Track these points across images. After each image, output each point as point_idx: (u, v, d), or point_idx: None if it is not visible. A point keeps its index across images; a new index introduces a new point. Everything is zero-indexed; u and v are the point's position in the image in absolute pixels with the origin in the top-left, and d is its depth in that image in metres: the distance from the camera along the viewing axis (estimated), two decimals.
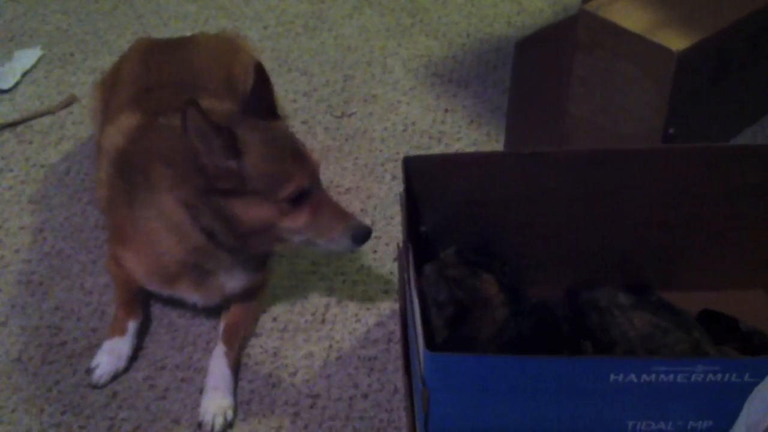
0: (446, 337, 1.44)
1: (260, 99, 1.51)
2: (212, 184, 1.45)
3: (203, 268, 1.57)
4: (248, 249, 1.55)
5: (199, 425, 1.50)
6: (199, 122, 1.39)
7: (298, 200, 1.47)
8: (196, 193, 1.47)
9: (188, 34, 2.44)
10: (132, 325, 1.61)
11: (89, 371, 1.57)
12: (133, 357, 1.60)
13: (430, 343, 1.19)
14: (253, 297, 1.67)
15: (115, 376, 1.58)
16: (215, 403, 1.51)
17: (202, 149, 1.42)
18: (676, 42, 1.78)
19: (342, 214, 1.52)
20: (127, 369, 1.59)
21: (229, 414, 1.50)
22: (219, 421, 1.49)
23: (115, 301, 1.66)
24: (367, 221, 1.88)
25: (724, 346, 1.44)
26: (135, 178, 1.60)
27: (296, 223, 1.48)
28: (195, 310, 1.68)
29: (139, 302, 1.66)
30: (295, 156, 1.47)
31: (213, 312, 1.67)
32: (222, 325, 1.63)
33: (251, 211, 1.46)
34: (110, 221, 1.71)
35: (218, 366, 1.56)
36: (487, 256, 1.56)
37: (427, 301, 1.48)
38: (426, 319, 1.31)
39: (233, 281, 1.60)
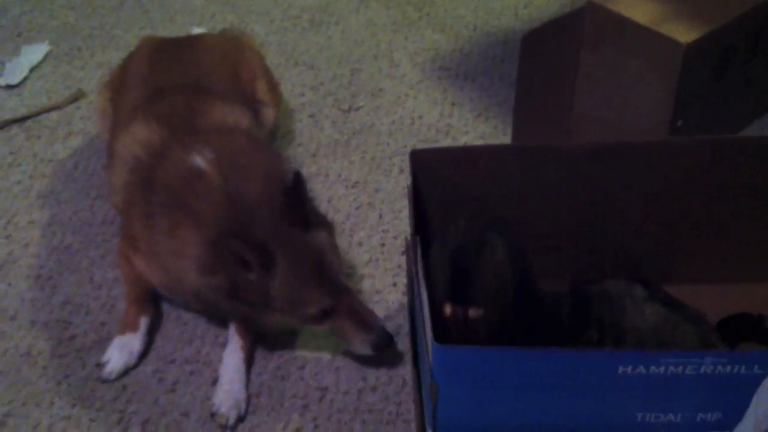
0: (449, 277, 1.45)
1: (294, 206, 1.49)
2: (239, 293, 1.48)
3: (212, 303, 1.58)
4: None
5: (212, 416, 1.50)
6: (237, 253, 1.43)
7: (319, 316, 1.51)
8: (220, 286, 1.49)
9: (195, 28, 2.45)
10: (144, 322, 1.62)
11: (100, 366, 1.58)
12: (144, 353, 1.61)
13: (439, 336, 1.19)
14: None
15: (126, 372, 1.58)
16: (231, 396, 1.51)
17: (238, 270, 1.46)
18: (684, 35, 1.77)
19: (364, 325, 1.53)
20: (137, 364, 1.60)
21: (243, 408, 1.51)
22: (233, 415, 1.50)
23: (126, 297, 1.67)
24: (375, 215, 1.88)
25: (750, 342, 1.44)
26: (159, 216, 1.58)
27: (319, 328, 1.55)
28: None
29: (151, 299, 1.67)
30: (321, 277, 1.49)
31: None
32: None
33: (272, 320, 1.54)
34: (126, 225, 1.71)
35: (233, 359, 1.56)
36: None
37: (434, 261, 1.49)
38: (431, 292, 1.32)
39: (228, 312, 1.60)
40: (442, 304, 1.42)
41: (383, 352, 1.55)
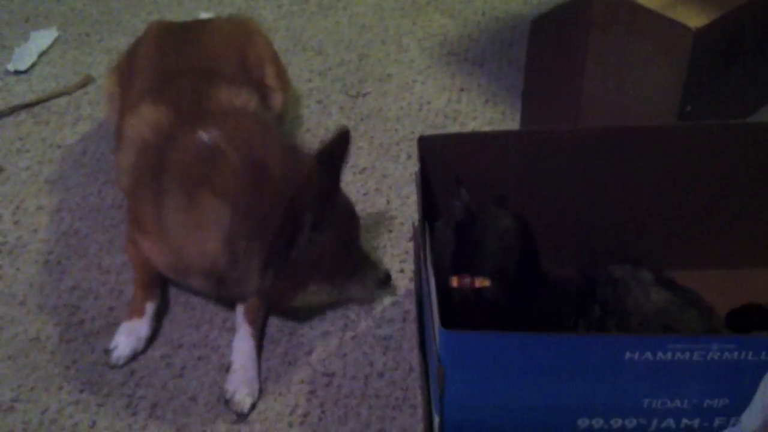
0: (454, 247, 1.47)
1: (334, 164, 1.51)
2: (296, 255, 1.49)
3: (224, 282, 1.57)
4: (277, 299, 1.62)
5: (227, 403, 1.50)
6: (310, 195, 1.45)
7: (349, 269, 1.58)
8: (263, 253, 1.49)
9: (202, 13, 2.45)
10: (150, 307, 1.62)
11: (107, 352, 1.58)
12: (152, 338, 1.61)
13: (446, 321, 1.19)
14: None
15: (134, 357, 1.59)
16: (245, 382, 1.51)
17: (304, 220, 1.47)
18: (693, 19, 1.76)
19: (372, 267, 1.64)
20: (145, 350, 1.60)
21: (256, 394, 1.52)
22: (248, 401, 1.50)
23: (134, 282, 1.67)
24: (382, 201, 1.89)
25: (760, 332, 1.44)
26: (171, 193, 1.57)
27: (341, 279, 1.60)
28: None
29: (158, 284, 1.67)
30: (354, 228, 1.59)
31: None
32: (241, 305, 1.63)
33: (316, 278, 1.56)
34: (133, 208, 1.71)
35: (244, 346, 1.56)
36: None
37: (441, 242, 1.50)
38: (439, 277, 1.33)
39: (253, 284, 1.58)
40: (449, 278, 1.43)
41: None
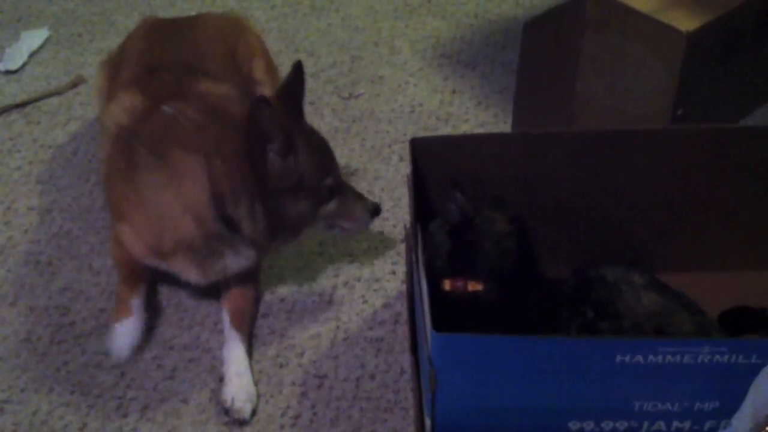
0: (450, 249, 1.48)
1: (294, 97, 1.58)
2: (273, 183, 1.50)
3: (211, 249, 1.57)
4: (275, 240, 1.59)
5: (227, 412, 1.49)
6: (268, 120, 1.45)
7: (332, 190, 1.58)
8: (246, 191, 1.49)
9: (195, 13, 2.44)
10: (136, 303, 1.59)
11: (105, 355, 1.56)
12: (144, 333, 1.59)
13: (437, 323, 1.19)
14: (250, 277, 1.66)
15: (132, 351, 1.56)
16: (242, 389, 1.51)
17: (269, 148, 1.48)
18: (686, 22, 1.77)
19: (360, 197, 1.65)
20: (139, 349, 1.58)
21: (254, 399, 1.51)
22: (248, 408, 1.49)
23: (117, 282, 1.65)
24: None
25: (752, 335, 1.44)
26: (143, 159, 1.58)
27: (332, 209, 1.60)
28: (193, 288, 1.68)
29: (142, 278, 1.63)
30: (328, 152, 1.61)
31: (219, 292, 1.67)
32: (227, 312, 1.62)
33: (301, 205, 1.55)
34: (108, 198, 1.70)
35: (235, 354, 1.56)
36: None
37: (435, 246, 1.50)
38: (431, 279, 1.32)
39: (239, 262, 1.60)
40: (441, 281, 1.43)
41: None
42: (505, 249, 1.50)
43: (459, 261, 1.48)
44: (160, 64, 1.78)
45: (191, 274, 1.61)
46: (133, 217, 1.60)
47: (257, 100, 1.46)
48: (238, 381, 1.52)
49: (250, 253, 1.59)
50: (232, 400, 1.50)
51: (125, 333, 1.57)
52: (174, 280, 1.69)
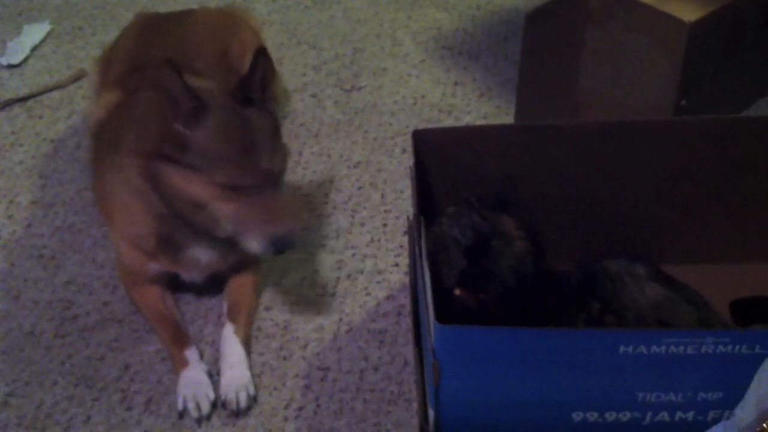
0: (464, 269, 1.43)
1: (252, 84, 1.46)
2: (160, 147, 1.42)
3: (174, 240, 1.55)
4: (194, 224, 1.50)
5: (223, 405, 1.49)
6: (173, 80, 1.39)
7: (236, 191, 1.43)
8: (146, 156, 1.45)
9: (194, 7, 2.43)
10: (192, 354, 1.55)
11: (184, 414, 1.50)
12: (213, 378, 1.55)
13: (441, 315, 1.19)
14: (249, 270, 1.66)
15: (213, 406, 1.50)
16: (235, 380, 1.51)
17: (169, 110, 1.41)
18: (689, 13, 1.76)
19: (274, 219, 1.44)
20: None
21: (251, 389, 1.51)
22: (243, 396, 1.49)
23: (159, 337, 1.60)
24: (377, 195, 1.88)
25: (762, 325, 1.44)
26: (108, 158, 1.59)
27: (222, 210, 1.45)
28: (194, 286, 1.68)
29: (182, 327, 1.61)
30: (247, 150, 1.42)
31: (222, 287, 1.67)
32: (225, 304, 1.63)
33: (183, 183, 1.44)
34: (100, 210, 1.69)
35: (230, 345, 1.56)
36: (506, 205, 1.55)
37: (444, 242, 1.47)
38: (438, 273, 1.31)
39: (209, 256, 1.58)
40: (454, 287, 1.42)
41: (279, 253, 1.48)
42: (522, 273, 1.45)
43: (473, 281, 1.44)
44: (145, 62, 1.77)
45: (179, 270, 1.62)
46: (115, 217, 1.61)
47: (166, 66, 1.38)
48: (230, 373, 1.52)
49: (217, 248, 1.57)
50: (225, 392, 1.50)
51: (190, 381, 1.52)
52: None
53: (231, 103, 1.45)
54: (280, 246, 1.45)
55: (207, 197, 1.44)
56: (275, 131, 1.51)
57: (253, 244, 1.45)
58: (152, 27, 1.94)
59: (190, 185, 1.43)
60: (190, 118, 1.40)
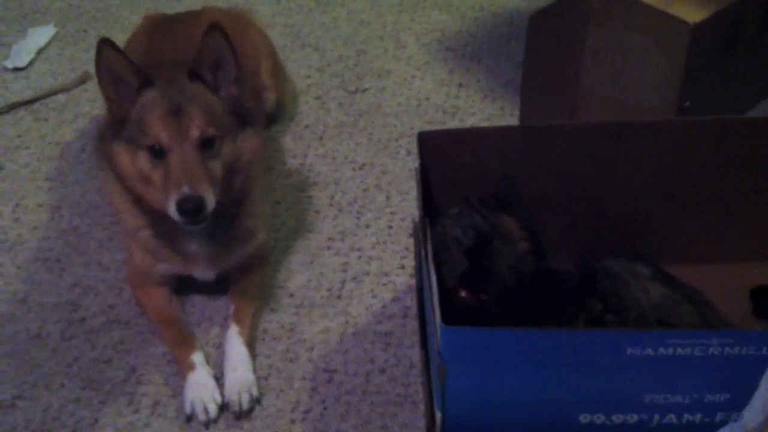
0: (466, 269, 1.43)
1: (199, 60, 1.51)
2: (106, 127, 1.50)
3: (173, 236, 1.56)
4: (148, 203, 1.52)
5: (227, 407, 1.50)
6: (112, 59, 1.46)
7: (164, 158, 1.46)
8: (101, 140, 1.52)
9: (198, 9, 2.43)
10: (196, 358, 1.56)
11: (189, 419, 1.50)
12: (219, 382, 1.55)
13: (447, 317, 1.20)
14: (255, 271, 1.68)
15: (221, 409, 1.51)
16: (238, 382, 1.51)
17: (112, 89, 1.48)
18: (691, 14, 1.76)
19: (177, 182, 1.43)
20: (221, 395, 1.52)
21: (254, 390, 1.51)
22: (245, 398, 1.50)
23: (163, 341, 1.61)
24: (382, 197, 1.88)
25: None
26: (101, 157, 1.61)
27: (153, 176, 1.47)
28: (203, 285, 1.68)
29: (187, 330, 1.62)
30: (171, 114, 1.46)
31: (225, 289, 1.68)
32: (231, 306, 1.64)
33: (125, 156, 1.49)
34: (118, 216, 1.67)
35: (234, 347, 1.56)
36: (506, 204, 1.56)
37: (446, 242, 1.47)
38: (440, 274, 1.31)
39: (212, 251, 1.59)
40: (457, 288, 1.42)
41: (189, 217, 1.43)
42: (522, 273, 1.45)
43: (473, 281, 1.45)
44: (155, 62, 1.78)
45: (188, 269, 1.63)
46: (120, 220, 1.62)
47: (101, 40, 1.47)
48: (232, 375, 1.52)
49: (208, 242, 1.58)
50: (228, 394, 1.50)
51: (196, 384, 1.52)
52: (183, 279, 1.70)
53: (175, 78, 1.50)
54: (182, 210, 1.43)
55: (142, 165, 1.48)
56: (213, 104, 1.51)
57: (170, 210, 1.45)
58: (162, 27, 1.95)
59: (130, 157, 1.49)
60: (135, 94, 1.48)
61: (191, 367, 1.53)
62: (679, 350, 1.19)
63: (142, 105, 1.48)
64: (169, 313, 1.63)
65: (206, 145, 1.47)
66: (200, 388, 1.51)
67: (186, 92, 1.49)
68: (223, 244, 1.60)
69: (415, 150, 1.53)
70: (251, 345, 1.59)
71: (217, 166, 1.48)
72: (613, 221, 1.63)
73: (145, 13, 2.39)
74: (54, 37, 2.40)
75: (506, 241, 1.49)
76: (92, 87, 2.22)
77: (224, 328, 1.63)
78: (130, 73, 1.47)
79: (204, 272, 1.64)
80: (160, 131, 1.45)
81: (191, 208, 1.42)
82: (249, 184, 1.61)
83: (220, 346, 1.61)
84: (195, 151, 1.46)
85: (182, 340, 1.58)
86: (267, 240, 1.73)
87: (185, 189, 1.42)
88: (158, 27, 1.95)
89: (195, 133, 1.46)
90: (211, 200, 1.44)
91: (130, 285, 1.69)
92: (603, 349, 1.22)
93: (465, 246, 1.47)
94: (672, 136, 1.57)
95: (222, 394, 1.51)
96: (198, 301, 1.69)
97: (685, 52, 1.78)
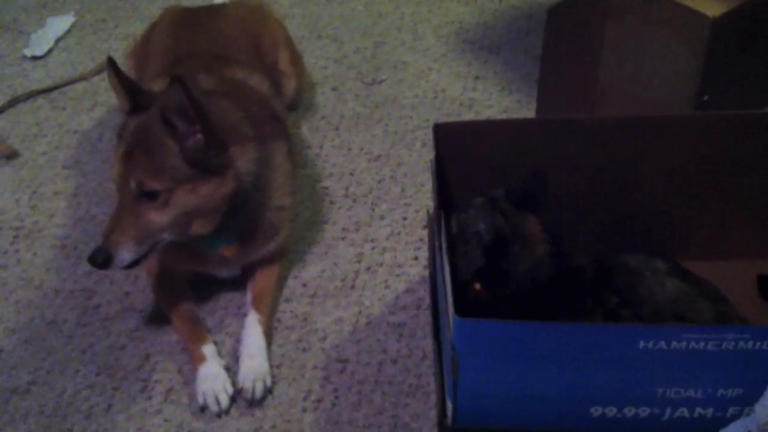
0: (482, 267, 1.42)
1: (167, 105, 1.43)
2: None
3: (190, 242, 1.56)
4: None
5: (239, 392, 1.51)
6: (112, 81, 1.50)
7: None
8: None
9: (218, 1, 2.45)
10: (208, 350, 1.56)
11: (204, 408, 1.50)
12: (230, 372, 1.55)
13: (460, 309, 1.20)
14: (276, 261, 1.68)
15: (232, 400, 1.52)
16: (254, 369, 1.52)
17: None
18: (711, 8, 1.75)
19: (103, 230, 1.48)
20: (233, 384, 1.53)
21: (268, 380, 1.52)
22: (260, 387, 1.50)
23: (176, 330, 1.62)
24: (397, 188, 1.88)
25: None
26: None
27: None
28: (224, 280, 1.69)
29: (198, 321, 1.62)
30: (123, 157, 1.46)
31: (243, 279, 1.68)
32: (249, 294, 1.64)
33: None
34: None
35: (252, 334, 1.57)
36: (533, 201, 1.55)
37: (466, 235, 1.46)
38: (454, 264, 1.30)
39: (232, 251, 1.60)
40: (472, 280, 1.42)
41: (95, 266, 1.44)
42: (538, 281, 1.44)
43: (488, 281, 1.44)
44: (186, 54, 1.79)
45: (210, 268, 1.64)
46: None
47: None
48: (249, 362, 1.53)
49: (243, 240, 1.59)
50: (242, 380, 1.51)
51: (208, 377, 1.52)
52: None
53: (151, 115, 1.45)
54: (90, 260, 1.44)
55: None
56: (168, 153, 1.45)
57: None
58: (186, 21, 1.95)
59: None
60: (127, 116, 1.51)
61: (203, 358, 1.54)
62: (693, 344, 1.18)
63: (122, 134, 1.48)
64: (184, 306, 1.63)
65: (149, 195, 1.44)
66: (212, 380, 1.51)
67: (146, 136, 1.45)
68: (247, 242, 1.61)
69: (430, 142, 1.52)
70: (269, 334, 1.60)
71: (159, 218, 1.45)
72: (630, 216, 1.62)
73: (163, 3, 2.40)
74: (73, 26, 2.41)
75: (526, 245, 1.47)
76: None
77: (238, 317, 1.64)
78: (123, 96, 1.49)
79: (228, 272, 1.66)
80: (113, 174, 1.47)
81: (98, 261, 1.43)
82: (270, 180, 1.60)
83: (233, 335, 1.61)
84: (133, 201, 1.45)
85: (194, 332, 1.59)
86: (289, 234, 1.73)
87: (100, 242, 1.45)
88: (183, 20, 1.96)
89: (133, 184, 1.44)
90: (124, 257, 1.44)
91: (147, 278, 1.69)
92: (616, 343, 1.21)
93: (485, 243, 1.47)
94: (690, 131, 1.56)
95: (234, 382, 1.52)
96: (213, 291, 1.70)
97: (705, 46, 1.77)
